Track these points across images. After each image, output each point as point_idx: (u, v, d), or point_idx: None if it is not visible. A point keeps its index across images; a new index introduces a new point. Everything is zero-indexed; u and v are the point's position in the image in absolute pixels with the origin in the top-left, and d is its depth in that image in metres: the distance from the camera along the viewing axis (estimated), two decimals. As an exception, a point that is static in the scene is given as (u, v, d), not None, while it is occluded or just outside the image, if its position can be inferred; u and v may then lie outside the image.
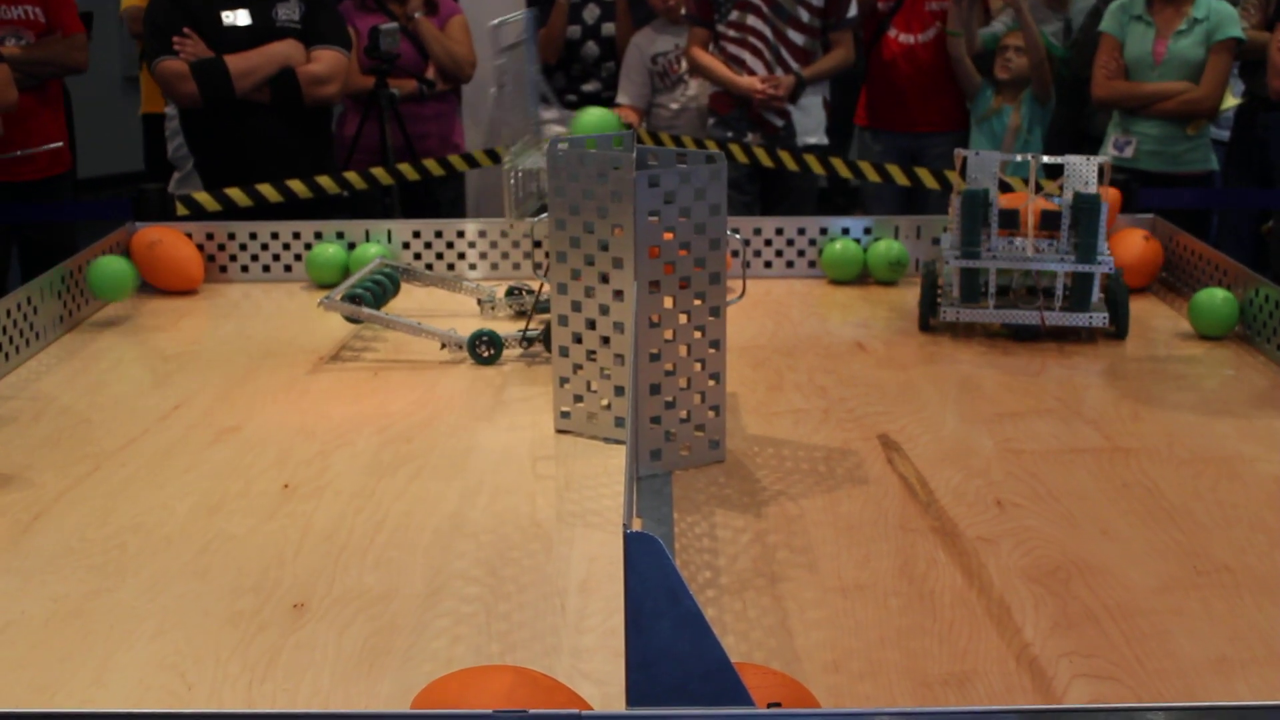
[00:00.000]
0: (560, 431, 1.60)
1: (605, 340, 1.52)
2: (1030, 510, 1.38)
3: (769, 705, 0.80)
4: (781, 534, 1.33)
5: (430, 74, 4.32)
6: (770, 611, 1.17)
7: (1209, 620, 1.16)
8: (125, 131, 6.39)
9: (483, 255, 2.35)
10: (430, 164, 3.34)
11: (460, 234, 2.35)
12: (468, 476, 1.48)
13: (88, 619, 1.17)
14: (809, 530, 1.34)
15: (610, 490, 1.44)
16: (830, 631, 1.14)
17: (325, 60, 3.48)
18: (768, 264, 2.37)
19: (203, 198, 2.69)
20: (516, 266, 2.35)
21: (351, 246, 2.35)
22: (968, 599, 1.20)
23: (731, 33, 4.14)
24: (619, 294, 1.49)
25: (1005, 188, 2.13)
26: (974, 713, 0.77)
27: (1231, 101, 4.27)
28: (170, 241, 2.27)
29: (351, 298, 1.95)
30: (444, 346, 1.90)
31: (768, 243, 2.36)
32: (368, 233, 2.36)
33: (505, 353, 1.89)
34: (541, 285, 1.89)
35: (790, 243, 2.36)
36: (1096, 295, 1.96)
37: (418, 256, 2.35)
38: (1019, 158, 2.05)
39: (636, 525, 1.22)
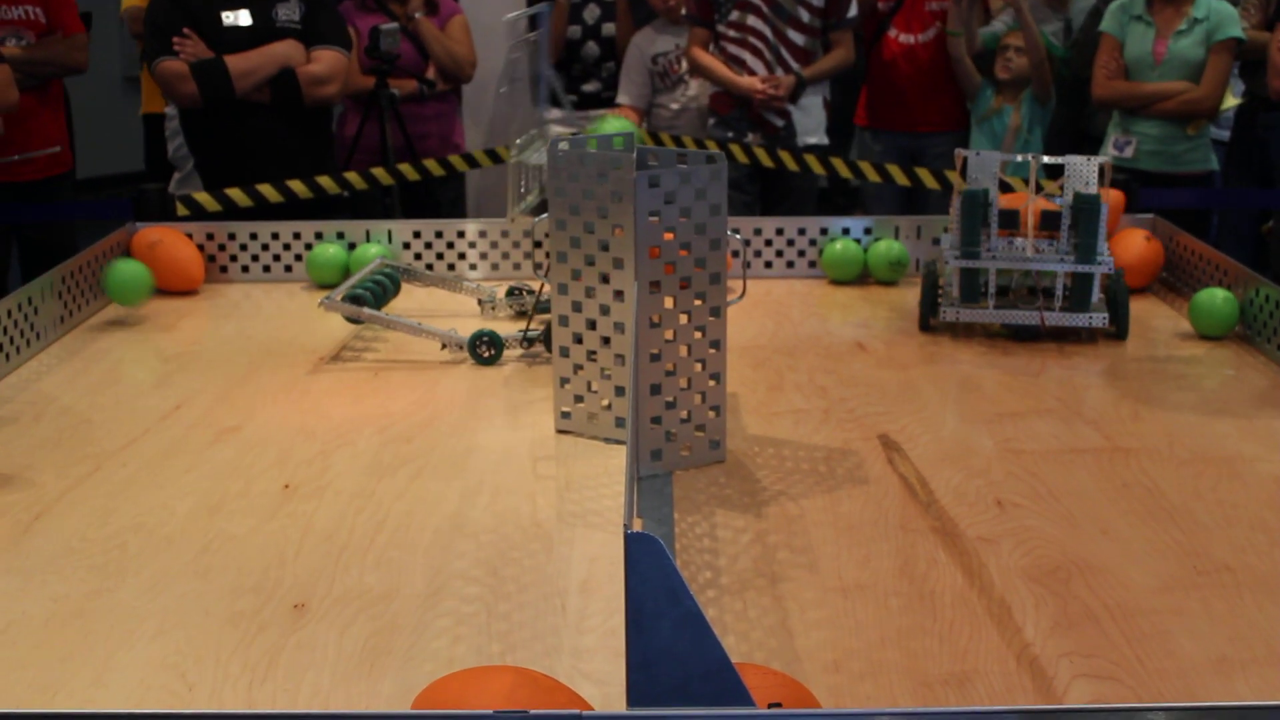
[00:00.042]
0: (561, 432, 1.61)
1: (606, 340, 1.52)
2: (1030, 510, 1.38)
3: (770, 705, 0.80)
4: (782, 534, 1.33)
5: (430, 74, 4.32)
6: (771, 611, 1.17)
7: (1209, 620, 1.16)
8: (126, 132, 6.39)
9: (483, 255, 2.35)
10: (430, 164, 3.35)
11: (461, 234, 2.35)
12: (468, 477, 1.48)
13: (88, 619, 1.17)
14: (809, 530, 1.34)
15: (611, 490, 1.44)
16: (831, 631, 1.14)
17: (325, 60, 3.48)
18: (768, 264, 2.37)
19: (203, 198, 2.70)
20: (517, 267, 2.35)
21: (352, 247, 2.35)
22: (968, 599, 1.20)
23: (732, 33, 4.14)
24: (619, 294, 1.49)
25: (1006, 188, 2.13)
26: (974, 713, 0.77)
27: (1232, 101, 4.27)
28: (171, 242, 2.27)
29: (352, 298, 1.95)
30: (444, 347, 1.90)
31: (768, 243, 2.36)
32: (368, 233, 2.36)
33: (506, 353, 1.89)
34: (542, 285, 1.89)
35: (791, 243, 2.36)
36: (1097, 295, 1.96)
37: (418, 257, 2.35)
38: (1019, 158, 2.05)
39: (637, 525, 1.22)
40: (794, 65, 4.14)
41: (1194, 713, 0.74)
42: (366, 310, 1.94)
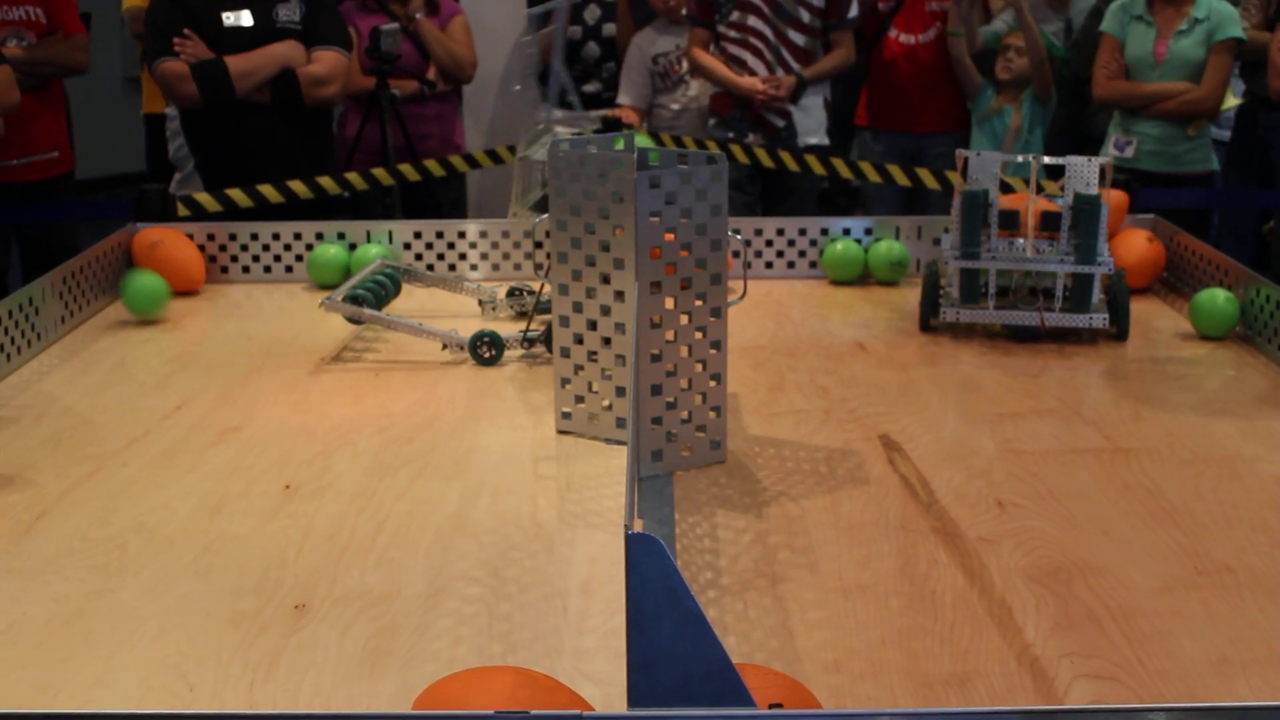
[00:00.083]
0: (561, 432, 1.61)
1: (606, 341, 1.53)
2: (1031, 511, 1.38)
3: (770, 706, 0.80)
4: (783, 534, 1.33)
5: (431, 74, 4.33)
6: (771, 612, 1.17)
7: (1210, 621, 1.16)
8: (126, 132, 6.39)
9: (484, 256, 2.35)
10: (431, 164, 3.35)
11: (461, 234, 2.35)
12: (469, 477, 1.48)
13: (89, 619, 1.17)
14: (810, 531, 1.34)
15: (612, 491, 1.44)
16: (831, 632, 1.14)
17: (326, 61, 3.48)
18: (769, 264, 2.37)
19: (204, 198, 2.70)
20: (518, 267, 2.35)
21: (353, 247, 2.35)
22: (969, 599, 1.20)
23: (732, 33, 4.15)
24: (620, 295, 1.49)
25: (1006, 188, 2.13)
26: (975, 713, 0.78)
27: (1232, 101, 4.27)
28: (171, 242, 2.27)
29: (353, 298, 1.95)
30: (445, 347, 1.90)
31: (769, 243, 2.36)
32: (369, 233, 2.36)
33: (506, 354, 1.89)
34: (543, 286, 1.89)
35: (791, 243, 2.36)
36: (1097, 296, 1.96)
37: (419, 257, 2.35)
38: (1020, 158, 2.05)
39: (638, 526, 1.22)
40: (794, 66, 4.14)
41: (1195, 713, 0.74)
42: (367, 311, 1.94)
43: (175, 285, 2.27)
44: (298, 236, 2.37)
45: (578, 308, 1.53)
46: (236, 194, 2.75)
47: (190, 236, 2.33)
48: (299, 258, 2.37)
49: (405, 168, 3.28)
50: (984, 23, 4.36)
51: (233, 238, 2.36)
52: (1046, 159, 2.02)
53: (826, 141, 4.27)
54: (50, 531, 1.34)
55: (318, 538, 1.33)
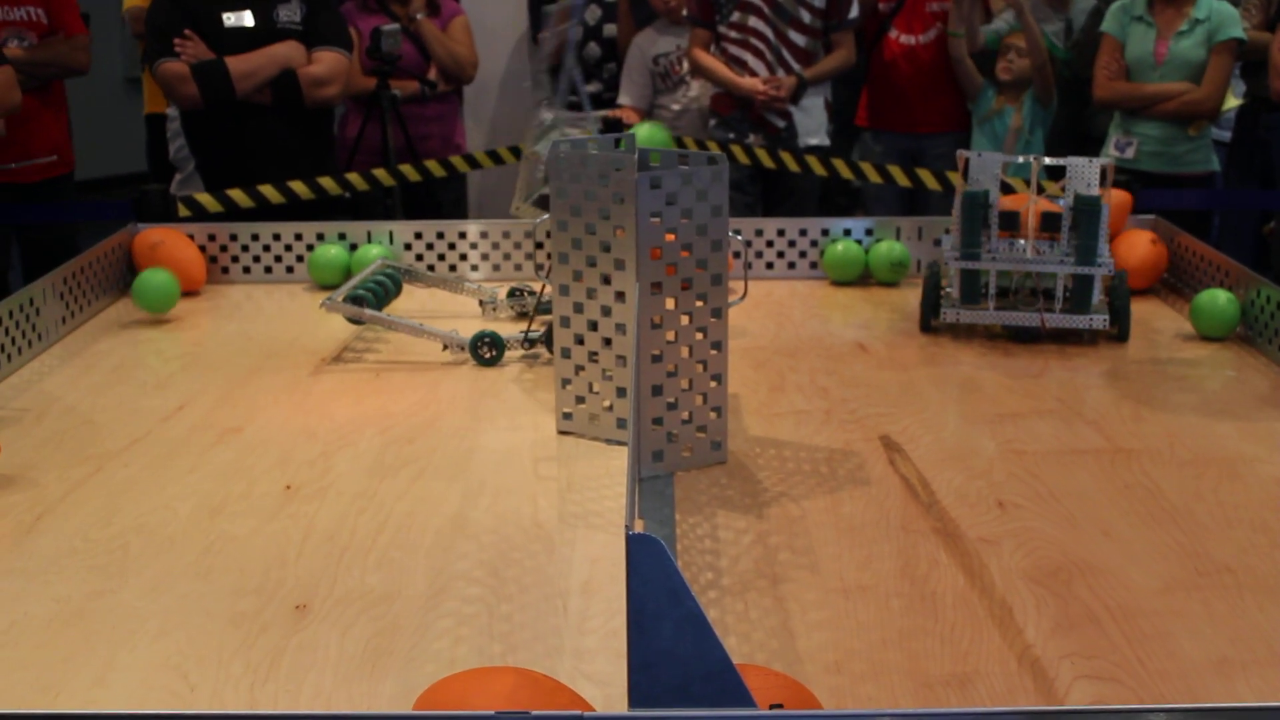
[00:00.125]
0: (562, 433, 1.61)
1: (607, 342, 1.53)
2: (1032, 511, 1.38)
3: (771, 707, 0.80)
4: (783, 535, 1.33)
5: (432, 75, 4.33)
6: (772, 613, 1.18)
7: (1210, 621, 1.16)
8: (127, 132, 6.39)
9: (484, 256, 2.36)
10: (432, 165, 3.35)
11: (462, 235, 2.36)
12: (470, 477, 1.48)
13: (90, 620, 1.17)
14: (811, 531, 1.34)
15: (612, 491, 1.44)
16: (832, 633, 1.14)
17: (326, 61, 3.48)
18: (769, 265, 2.37)
19: (204, 199, 2.70)
20: (518, 268, 2.35)
21: (353, 248, 2.35)
22: (969, 600, 1.20)
23: (733, 34, 4.15)
24: (621, 295, 1.49)
25: (1007, 189, 2.13)
26: (976, 714, 0.78)
27: (1233, 102, 4.27)
28: (172, 243, 2.27)
29: (353, 299, 1.95)
30: (446, 348, 1.90)
31: (769, 244, 2.36)
32: (369, 234, 2.36)
33: (507, 354, 1.89)
34: (543, 286, 1.89)
35: (792, 244, 2.36)
36: (1098, 297, 1.96)
37: (419, 258, 2.35)
38: (1020, 159, 2.05)
39: (638, 526, 1.22)
40: (795, 66, 4.14)
41: (1195, 714, 0.74)
42: (368, 311, 1.94)
43: (176, 286, 2.27)
44: (298, 237, 2.37)
45: (578, 308, 1.53)
46: (237, 194, 2.75)
47: (191, 237, 2.33)
48: (300, 258, 2.37)
49: (406, 168, 3.28)
50: (984, 22, 4.36)
51: (233, 238, 2.36)
52: (1047, 160, 2.02)
53: (827, 142, 4.27)
54: (51, 532, 1.35)
55: (318, 538, 1.33)
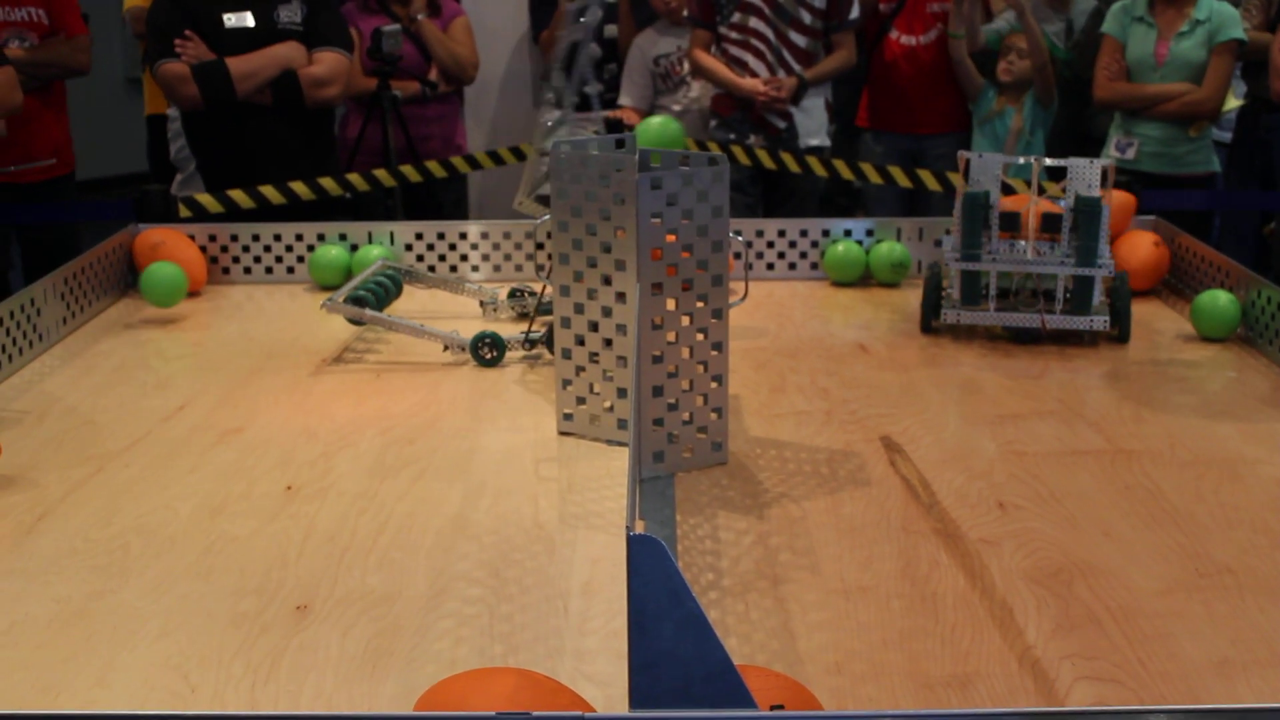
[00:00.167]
0: (563, 433, 1.61)
1: (608, 342, 1.53)
2: (1032, 512, 1.38)
3: (772, 708, 0.80)
4: (784, 536, 1.33)
5: (433, 76, 4.33)
6: (773, 614, 1.18)
7: (1211, 622, 1.16)
8: (128, 133, 6.39)
9: (485, 257, 2.36)
10: (433, 165, 3.35)
11: (463, 236, 2.36)
12: (470, 478, 1.48)
13: (91, 620, 1.17)
14: (811, 532, 1.34)
15: (613, 492, 1.44)
16: (833, 633, 1.14)
17: (327, 62, 3.48)
18: (770, 266, 2.37)
19: (205, 199, 2.70)
20: (519, 268, 2.35)
21: (354, 248, 2.35)
22: (970, 601, 1.20)
23: (733, 34, 4.15)
24: (621, 296, 1.49)
25: (1008, 190, 2.13)
26: (977, 715, 0.78)
27: (1233, 103, 4.27)
28: (173, 243, 2.28)
29: (354, 300, 1.95)
30: (446, 348, 1.91)
31: (770, 245, 2.36)
32: (370, 234, 2.36)
33: (508, 355, 1.89)
34: (544, 287, 1.89)
35: (792, 244, 2.36)
36: (1099, 298, 1.96)
37: (420, 258, 2.35)
38: (1021, 160, 2.05)
39: (639, 527, 1.23)
40: (796, 67, 4.14)
41: (1196, 715, 0.74)
42: (368, 312, 1.94)
43: (177, 286, 2.27)
44: (299, 238, 2.37)
45: (579, 309, 1.53)
46: (238, 195, 2.75)
47: (192, 237, 2.33)
48: (300, 259, 2.37)
49: (407, 169, 3.28)
50: (985, 22, 4.36)
51: (234, 239, 2.36)
52: (1048, 161, 2.02)
53: (828, 143, 4.27)
54: (52, 532, 1.35)
55: (319, 539, 1.33)
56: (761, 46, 4.13)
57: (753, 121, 4.16)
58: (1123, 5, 4.03)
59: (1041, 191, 2.00)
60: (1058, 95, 4.26)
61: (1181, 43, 3.92)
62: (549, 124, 2.29)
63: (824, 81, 4.23)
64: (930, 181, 3.25)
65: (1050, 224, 1.97)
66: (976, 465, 1.51)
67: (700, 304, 1.48)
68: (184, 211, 2.56)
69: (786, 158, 3.53)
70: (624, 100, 4.48)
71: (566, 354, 1.57)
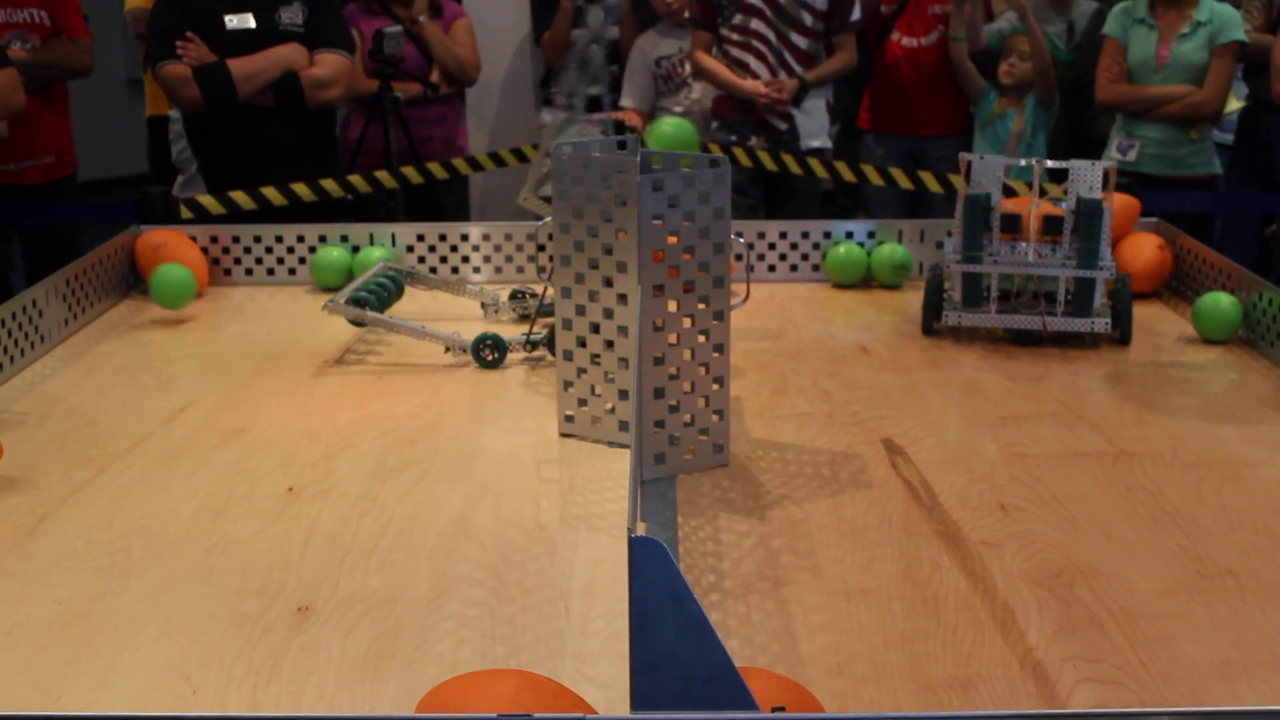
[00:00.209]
0: (564, 435, 1.61)
1: (609, 344, 1.53)
2: (1034, 514, 1.38)
3: (773, 709, 0.81)
4: (785, 538, 1.33)
5: (434, 77, 4.33)
6: (774, 615, 1.18)
7: (1212, 624, 1.16)
8: (129, 134, 6.39)
9: (486, 259, 2.36)
10: (434, 167, 3.35)
11: (464, 237, 2.36)
12: (472, 480, 1.48)
13: (92, 621, 1.17)
14: (813, 534, 1.34)
15: (614, 494, 1.44)
16: (834, 635, 1.14)
17: (328, 64, 3.48)
18: (771, 268, 2.37)
19: (207, 201, 2.70)
20: (520, 270, 2.35)
21: (355, 250, 2.35)
22: (971, 603, 1.20)
23: (735, 36, 4.15)
24: (623, 298, 1.49)
25: (1009, 192, 2.13)
26: (978, 717, 0.78)
27: (1235, 105, 4.27)
28: (175, 245, 2.28)
29: (356, 301, 1.95)
30: (448, 350, 1.91)
31: (771, 246, 2.36)
32: (372, 236, 2.36)
33: (509, 356, 1.89)
34: (545, 289, 1.89)
35: (794, 246, 2.36)
36: (1100, 300, 1.96)
37: (422, 260, 2.35)
38: (1023, 162, 2.05)
39: (641, 529, 1.23)
40: (797, 68, 4.14)
41: (1197, 717, 0.74)
42: (370, 313, 1.94)
43: (178, 287, 2.27)
44: (301, 239, 2.37)
45: (580, 310, 1.53)
46: (239, 196, 2.75)
47: (193, 239, 2.33)
48: (302, 260, 2.37)
49: (408, 170, 3.28)
50: (986, 22, 4.36)
51: (236, 240, 2.37)
52: (1049, 163, 2.02)
53: (829, 145, 4.27)
54: (53, 533, 1.35)
55: (321, 540, 1.33)
56: (763, 48, 4.13)
57: (754, 123, 4.16)
58: (1124, 7, 4.03)
59: (1043, 193, 2.00)
60: (1059, 97, 4.26)
61: (1183, 44, 3.92)
62: (557, 126, 2.29)
63: (825, 83, 4.23)
64: (931, 183, 3.24)
65: (1051, 226, 1.97)
66: (978, 467, 1.51)
67: (702, 306, 1.48)
68: (185, 213, 2.56)
69: (788, 159, 3.53)
70: (625, 102, 4.48)
71: (568, 356, 1.57)
